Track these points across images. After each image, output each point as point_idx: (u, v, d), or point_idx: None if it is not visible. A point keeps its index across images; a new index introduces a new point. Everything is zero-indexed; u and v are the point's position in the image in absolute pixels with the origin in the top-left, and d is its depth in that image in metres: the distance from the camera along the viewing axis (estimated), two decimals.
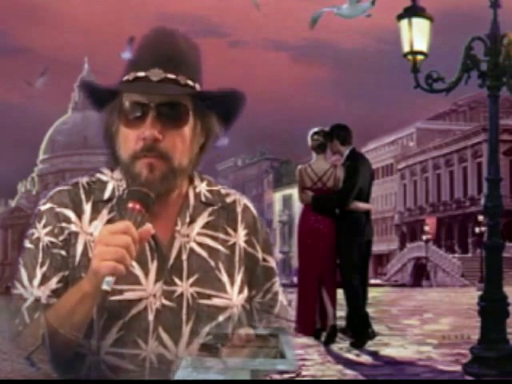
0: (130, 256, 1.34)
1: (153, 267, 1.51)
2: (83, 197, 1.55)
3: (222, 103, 1.55)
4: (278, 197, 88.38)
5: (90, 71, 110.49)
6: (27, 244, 1.54)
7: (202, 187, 1.62)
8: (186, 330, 1.51)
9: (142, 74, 1.49)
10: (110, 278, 1.32)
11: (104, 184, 1.57)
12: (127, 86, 1.51)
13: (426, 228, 54.74)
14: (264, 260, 1.65)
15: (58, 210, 1.53)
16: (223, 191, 1.65)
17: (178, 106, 1.50)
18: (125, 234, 1.33)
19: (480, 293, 6.29)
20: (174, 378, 1.31)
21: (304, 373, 5.69)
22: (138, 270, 1.49)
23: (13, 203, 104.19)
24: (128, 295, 1.47)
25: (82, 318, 1.41)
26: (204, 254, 1.56)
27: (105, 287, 1.32)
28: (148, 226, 1.39)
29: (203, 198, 1.61)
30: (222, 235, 1.59)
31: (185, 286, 1.52)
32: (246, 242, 1.62)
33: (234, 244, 1.60)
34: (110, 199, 1.55)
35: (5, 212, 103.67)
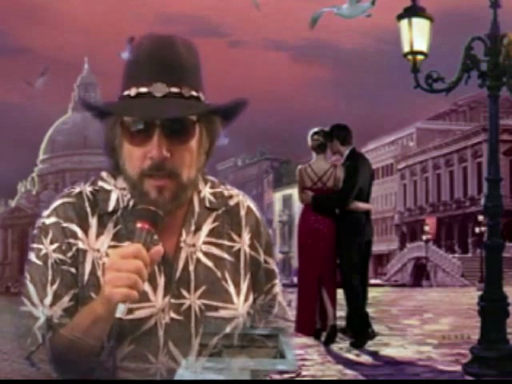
0: (142, 280, 1.30)
1: (161, 282, 1.48)
2: (88, 210, 1.51)
3: (226, 110, 1.52)
4: (278, 197, 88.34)
5: (90, 71, 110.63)
6: (34, 259, 1.49)
7: (206, 191, 1.59)
8: (195, 342, 1.49)
9: (144, 89, 1.43)
10: (123, 305, 1.30)
11: (108, 193, 1.53)
12: (131, 103, 1.45)
13: (426, 228, 54.70)
14: (265, 262, 1.64)
15: (65, 225, 1.49)
16: (226, 193, 1.62)
17: (184, 120, 1.45)
18: (136, 258, 1.30)
19: (480, 293, 6.29)
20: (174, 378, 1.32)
21: (304, 373, 5.69)
22: (146, 287, 1.45)
23: (13, 203, 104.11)
24: (139, 314, 1.45)
25: (95, 338, 1.38)
26: (210, 264, 1.53)
27: (118, 315, 1.30)
28: (158, 247, 1.36)
29: (207, 203, 1.58)
30: (226, 242, 1.57)
31: (192, 299, 1.50)
32: (249, 245, 1.60)
33: (239, 250, 1.58)
34: (114, 211, 1.51)
35: (5, 212, 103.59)
